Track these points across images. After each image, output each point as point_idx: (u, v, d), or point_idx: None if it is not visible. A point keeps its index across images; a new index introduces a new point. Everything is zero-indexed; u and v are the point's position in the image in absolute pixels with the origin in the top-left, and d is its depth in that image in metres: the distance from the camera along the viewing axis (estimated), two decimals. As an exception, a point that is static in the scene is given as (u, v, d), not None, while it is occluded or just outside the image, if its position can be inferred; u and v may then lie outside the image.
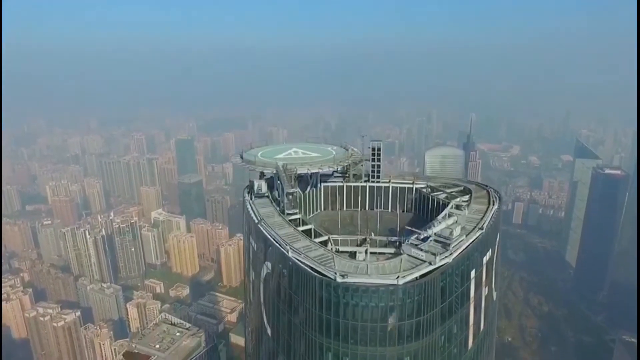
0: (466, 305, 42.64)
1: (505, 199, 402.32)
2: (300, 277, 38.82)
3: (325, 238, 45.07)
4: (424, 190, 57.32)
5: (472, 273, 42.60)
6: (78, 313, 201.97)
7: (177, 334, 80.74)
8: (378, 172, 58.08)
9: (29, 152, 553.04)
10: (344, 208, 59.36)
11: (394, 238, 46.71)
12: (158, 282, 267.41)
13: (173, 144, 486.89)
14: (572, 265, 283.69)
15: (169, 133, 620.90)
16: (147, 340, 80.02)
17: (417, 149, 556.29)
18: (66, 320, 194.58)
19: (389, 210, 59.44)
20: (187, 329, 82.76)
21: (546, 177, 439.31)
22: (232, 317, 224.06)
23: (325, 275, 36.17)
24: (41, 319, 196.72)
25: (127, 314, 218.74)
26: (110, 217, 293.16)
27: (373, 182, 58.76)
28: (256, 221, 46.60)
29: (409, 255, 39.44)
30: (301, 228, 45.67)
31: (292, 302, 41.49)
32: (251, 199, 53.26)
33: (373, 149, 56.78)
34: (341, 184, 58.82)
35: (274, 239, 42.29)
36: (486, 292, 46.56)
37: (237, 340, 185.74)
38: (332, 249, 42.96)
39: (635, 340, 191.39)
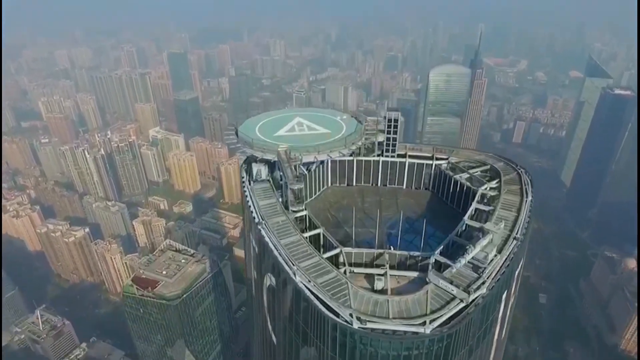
0: (491, 330, 37.90)
1: (507, 117, 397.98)
2: (311, 312, 33.34)
3: (337, 251, 37.80)
4: (444, 167, 50.75)
5: (504, 295, 37.12)
6: (87, 229, 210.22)
7: (182, 260, 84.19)
8: (394, 145, 50.73)
9: (16, 66, 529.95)
10: (354, 183, 53.63)
11: (416, 254, 38.11)
12: (161, 199, 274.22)
13: (165, 58, 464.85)
14: (567, 185, 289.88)
15: (160, 45, 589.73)
16: (153, 267, 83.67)
17: (421, 64, 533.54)
18: (76, 236, 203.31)
19: (404, 187, 53.01)
20: (191, 255, 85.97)
21: (551, 94, 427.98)
22: (235, 232, 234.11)
23: (340, 316, 30.82)
24: (52, 234, 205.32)
25: (134, 230, 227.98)
26: (108, 136, 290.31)
27: (387, 156, 51.74)
28: (256, 221, 40.02)
29: (436, 285, 32.63)
30: (308, 234, 39.56)
31: (300, 332, 37.02)
32: (250, 184, 46.43)
33: (389, 120, 48.93)
34: (351, 158, 52.04)
35: (278, 253, 36.00)
36: (511, 302, 41.84)
37: (240, 253, 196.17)
38: (345, 268, 36.29)
39: (614, 255, 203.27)
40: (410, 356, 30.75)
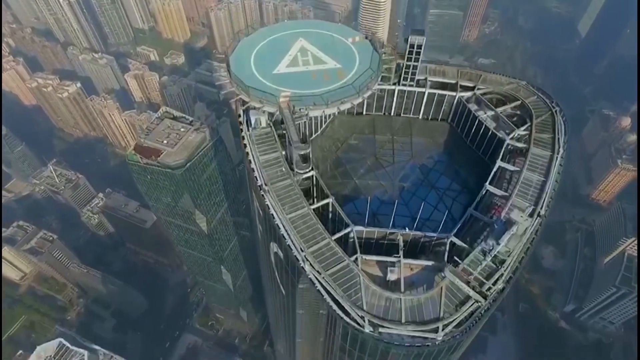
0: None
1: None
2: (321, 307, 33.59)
3: (348, 230, 34.54)
4: (468, 99, 43.95)
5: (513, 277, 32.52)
6: (78, 84, 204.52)
7: (182, 129, 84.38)
8: (413, 74, 43.77)
9: None
10: (364, 112, 47.37)
11: (432, 235, 34.93)
12: (150, 49, 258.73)
13: None
14: (581, 35, 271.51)
15: None
16: (153, 136, 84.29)
17: None
18: (69, 92, 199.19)
19: (420, 116, 46.89)
20: (189, 123, 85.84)
21: None
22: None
23: (352, 317, 30.03)
24: (44, 89, 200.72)
25: (128, 85, 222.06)
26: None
27: (405, 84, 44.47)
28: (258, 183, 35.75)
29: (452, 281, 30.45)
30: (315, 205, 35.73)
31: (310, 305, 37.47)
32: (248, 129, 39.77)
33: (412, 45, 41.08)
34: None
35: (285, 233, 33.22)
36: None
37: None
38: (357, 256, 33.02)
39: (611, 113, 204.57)
40: (419, 354, 31.02)
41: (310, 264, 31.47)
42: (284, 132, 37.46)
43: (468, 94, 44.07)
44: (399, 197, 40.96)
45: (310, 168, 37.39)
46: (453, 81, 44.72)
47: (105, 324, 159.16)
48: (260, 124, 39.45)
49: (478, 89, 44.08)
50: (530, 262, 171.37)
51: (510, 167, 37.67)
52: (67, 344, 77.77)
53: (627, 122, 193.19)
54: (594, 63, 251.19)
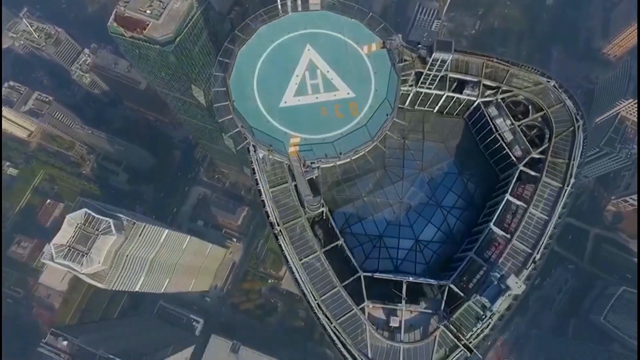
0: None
1: None
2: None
3: (356, 276, 37.34)
4: (487, 103, 41.22)
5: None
6: None
7: (166, -3, 76.09)
8: (432, 81, 40.16)
9: None
10: None
11: (432, 282, 38.16)
12: None
13: None
14: None
15: None
16: (134, 4, 75.74)
17: None
18: None
19: (434, 110, 44.48)
20: (173, -9, 76.85)
21: None
22: None
23: None
24: None
25: None
26: None
27: (422, 87, 41.02)
28: (270, 220, 37.03)
29: (444, 329, 35.59)
30: (326, 248, 37.61)
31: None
32: (257, 162, 38.02)
33: (435, 60, 37.10)
34: None
35: (299, 276, 36.18)
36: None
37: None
38: (364, 305, 36.54)
39: None
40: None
41: (323, 312, 35.42)
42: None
43: (490, 98, 41.62)
44: (405, 217, 42.16)
45: (320, 205, 37.83)
46: (475, 79, 41.10)
47: (120, 177, 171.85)
48: (269, 162, 38.22)
49: (502, 91, 41.29)
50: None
51: (517, 202, 38.89)
52: (92, 213, 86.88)
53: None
54: None
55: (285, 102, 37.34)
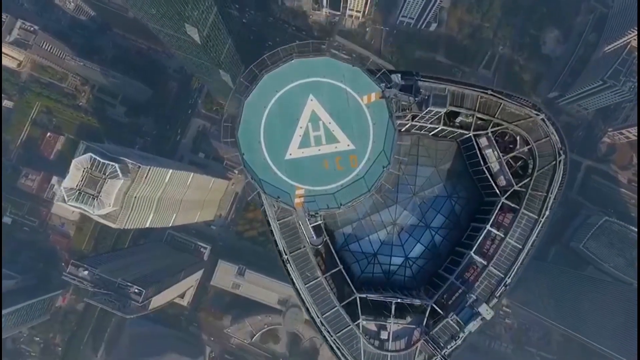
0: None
1: None
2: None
3: (352, 298, 43.92)
4: (482, 135, 44.59)
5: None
6: None
7: None
8: (426, 120, 44.29)
9: None
10: None
11: (417, 302, 44.46)
12: None
13: None
14: None
15: None
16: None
17: None
18: None
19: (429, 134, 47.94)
20: None
21: None
22: None
23: None
24: None
25: None
26: None
27: (418, 122, 45.01)
28: (279, 248, 41.90)
29: (425, 342, 42.69)
30: (327, 274, 43.79)
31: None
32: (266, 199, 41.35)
33: (429, 112, 40.64)
34: None
35: (303, 297, 41.96)
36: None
37: None
38: (359, 321, 43.18)
39: None
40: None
41: (325, 327, 41.97)
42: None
43: (481, 132, 44.92)
44: (397, 237, 46.48)
45: (323, 238, 42.56)
46: (469, 120, 43.87)
47: (117, 110, 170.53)
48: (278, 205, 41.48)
49: (493, 125, 44.20)
50: (529, 47, 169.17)
51: (495, 231, 44.25)
52: (98, 157, 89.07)
53: None
54: None
55: (290, 155, 39.18)
